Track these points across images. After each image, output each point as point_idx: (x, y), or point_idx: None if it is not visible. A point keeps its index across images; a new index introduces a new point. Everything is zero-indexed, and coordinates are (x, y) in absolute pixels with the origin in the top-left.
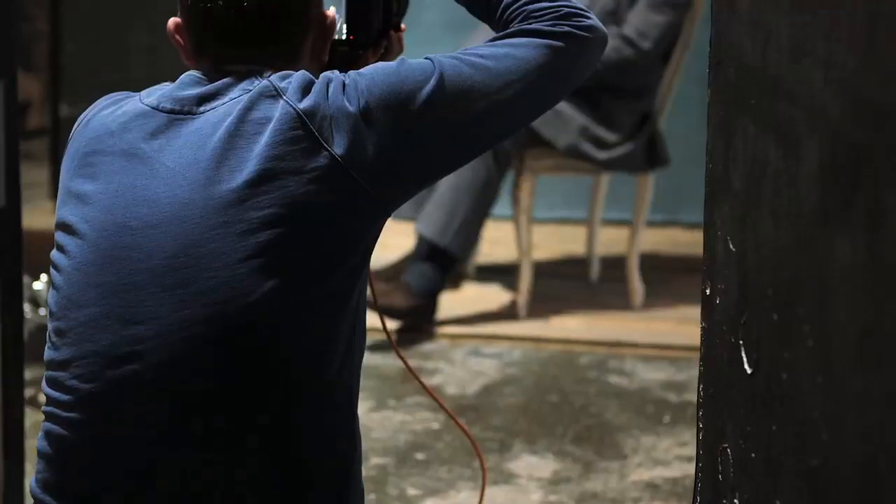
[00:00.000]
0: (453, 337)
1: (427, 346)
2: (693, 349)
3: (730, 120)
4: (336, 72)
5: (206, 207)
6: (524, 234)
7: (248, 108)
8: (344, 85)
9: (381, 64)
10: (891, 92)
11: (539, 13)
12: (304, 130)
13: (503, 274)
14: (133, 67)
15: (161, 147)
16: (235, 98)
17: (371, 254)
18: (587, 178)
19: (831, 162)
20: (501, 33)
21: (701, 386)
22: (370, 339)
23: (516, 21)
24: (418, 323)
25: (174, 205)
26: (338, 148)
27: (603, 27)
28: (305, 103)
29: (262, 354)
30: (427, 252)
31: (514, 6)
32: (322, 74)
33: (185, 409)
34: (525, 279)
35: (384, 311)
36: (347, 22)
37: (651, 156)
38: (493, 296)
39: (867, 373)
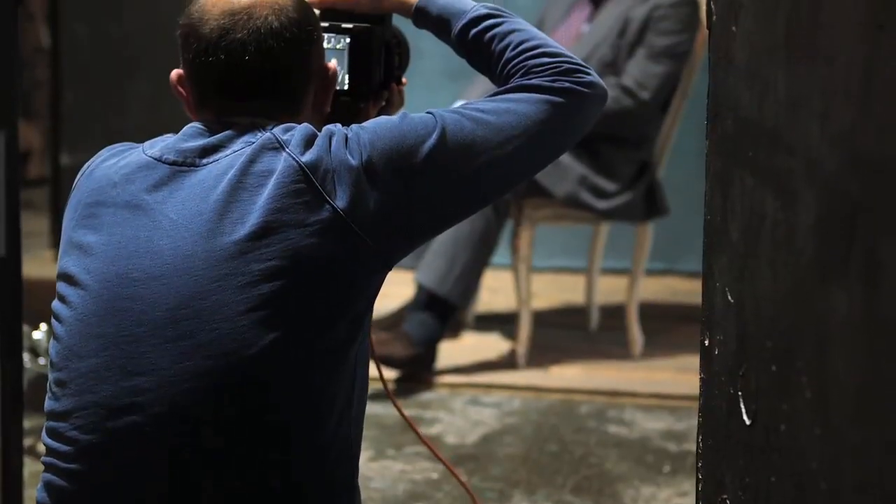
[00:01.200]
0: (452, 386)
1: (426, 396)
2: (692, 398)
3: (727, 171)
4: (338, 125)
5: (208, 259)
6: (523, 283)
7: (251, 160)
8: (346, 138)
9: (383, 118)
10: (887, 145)
11: (540, 68)
12: (307, 184)
13: (502, 323)
14: (133, 116)
15: (164, 199)
16: (238, 150)
17: (373, 306)
18: (586, 228)
19: (828, 214)
20: (502, 88)
21: (700, 437)
22: (370, 388)
23: (517, 76)
24: (418, 372)
25: (177, 257)
26: (340, 201)
27: (603, 83)
28: (308, 157)
29: (262, 406)
30: (426, 301)
31: (515, 61)
32: (325, 128)
33: (185, 461)
34: (524, 328)
35: (383, 361)
36: (349, 73)
37: (650, 205)
38: (492, 345)
39: (865, 424)
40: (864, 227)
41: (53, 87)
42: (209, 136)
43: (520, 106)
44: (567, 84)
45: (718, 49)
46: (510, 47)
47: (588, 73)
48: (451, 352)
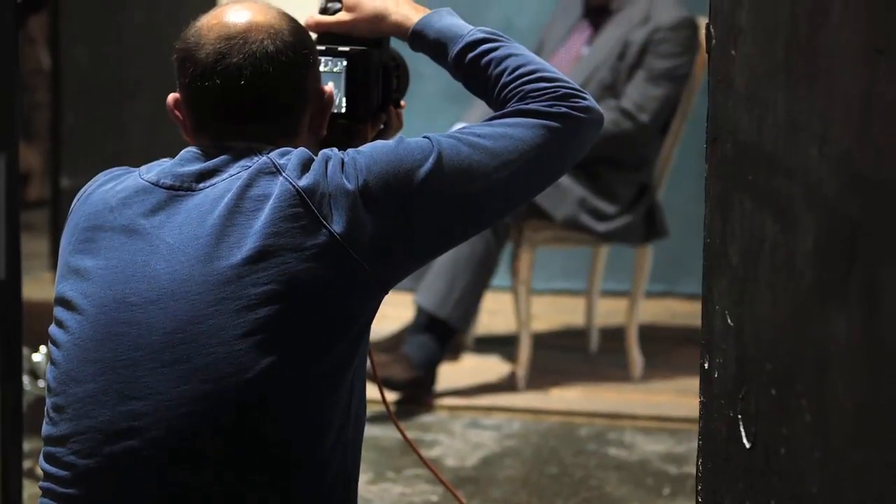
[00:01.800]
0: (452, 408)
1: (426, 418)
2: (692, 421)
3: (727, 194)
4: (335, 149)
5: (205, 283)
6: (523, 306)
7: (248, 184)
8: (343, 163)
9: (379, 142)
10: (886, 168)
11: (537, 93)
12: (304, 208)
13: (502, 345)
14: (133, 139)
15: (161, 223)
16: (234, 175)
17: (369, 329)
18: (586, 250)
19: (828, 237)
20: (499, 113)
21: (700, 460)
22: (369, 410)
23: (514, 100)
24: (417, 394)
25: (173, 281)
26: (337, 226)
27: (599, 108)
28: (305, 181)
29: (258, 430)
30: (426, 323)
31: (512, 85)
32: (321, 152)
33: (182, 485)
34: (524, 350)
35: (383, 383)
36: (346, 96)
37: (650, 227)
38: (492, 367)
39: (864, 447)
40: (863, 251)
41: (53, 109)
42: (205, 161)
43: (517, 131)
44: (564, 109)
45: (718, 72)
46: (507, 72)
47: (584, 98)
48: (451, 374)
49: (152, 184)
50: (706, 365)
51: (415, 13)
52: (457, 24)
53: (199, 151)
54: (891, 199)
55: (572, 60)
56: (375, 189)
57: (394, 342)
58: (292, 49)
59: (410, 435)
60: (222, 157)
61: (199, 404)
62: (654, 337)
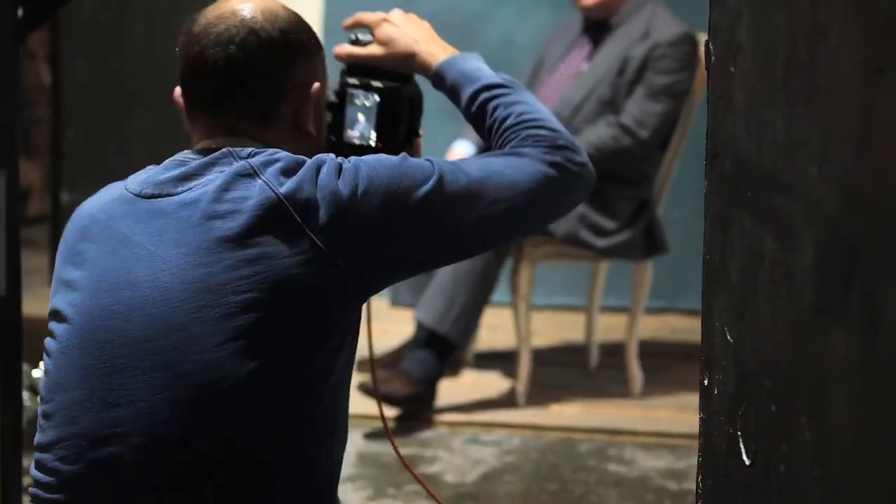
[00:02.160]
0: (452, 424)
1: (426, 434)
2: (692, 437)
3: (727, 211)
4: (331, 155)
5: (185, 291)
6: (523, 321)
7: (224, 188)
8: (340, 168)
9: (383, 156)
10: (884, 186)
11: (536, 139)
12: (284, 214)
13: (502, 361)
14: (134, 154)
15: (142, 231)
16: (211, 178)
17: (354, 337)
18: (585, 265)
19: (827, 255)
20: (499, 151)
21: (700, 476)
22: (368, 426)
23: (513, 142)
24: (417, 410)
25: (155, 289)
26: (320, 233)
27: (592, 167)
28: (287, 186)
29: (240, 436)
30: (426, 339)
31: (515, 128)
32: (315, 157)
33: (164, 491)
34: (524, 366)
35: (383, 398)
36: (377, 129)
37: (650, 243)
38: (492, 383)
39: (865, 465)
40: (862, 268)
41: (54, 124)
42: (186, 167)
43: (514, 171)
44: (559, 159)
45: (717, 90)
46: (512, 115)
47: (580, 154)
48: (451, 390)
49: (135, 195)
50: (706, 381)
51: (442, 53)
52: (479, 69)
53: (181, 158)
54: (890, 217)
55: (572, 76)
56: (372, 199)
57: (394, 358)
58: (273, 43)
59: (410, 451)
60: (203, 160)
61: (180, 409)
62: (654, 353)
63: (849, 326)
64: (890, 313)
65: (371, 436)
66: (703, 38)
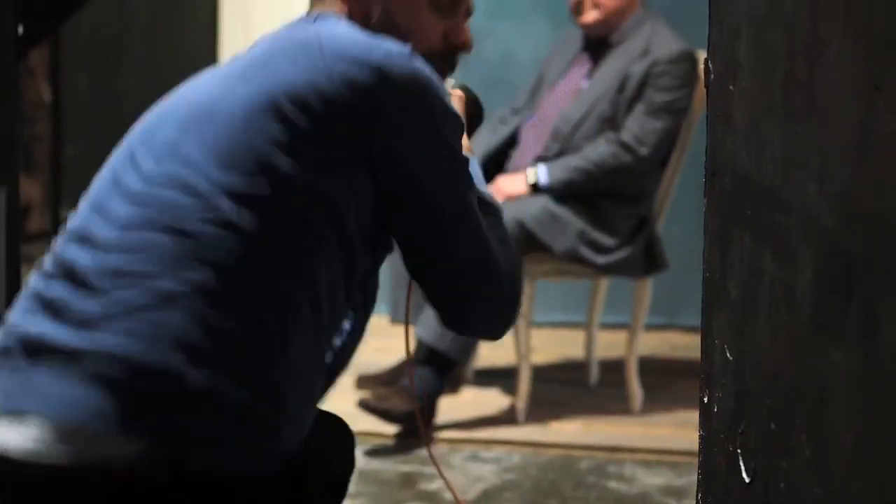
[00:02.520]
0: (452, 441)
1: (426, 451)
2: (692, 454)
3: (726, 229)
4: (404, 49)
5: (233, 101)
6: (523, 338)
7: (282, 41)
8: (407, 60)
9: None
10: (883, 203)
11: (498, 286)
12: (325, 77)
13: (502, 378)
14: None
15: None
16: (284, 34)
17: (371, 240)
18: (585, 282)
19: (826, 272)
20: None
21: (699, 494)
22: (369, 444)
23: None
24: (417, 427)
25: (208, 97)
26: (344, 105)
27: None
28: (337, 55)
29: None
30: (426, 356)
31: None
32: (386, 42)
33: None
34: (524, 383)
35: (382, 416)
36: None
37: (649, 260)
38: (491, 400)
39: (864, 482)
40: (861, 285)
41: (54, 141)
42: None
43: (485, 244)
44: (499, 311)
45: (716, 108)
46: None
47: (515, 312)
48: (451, 407)
49: None
50: (706, 399)
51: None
52: (476, 177)
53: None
54: (889, 234)
55: (572, 93)
56: (400, 103)
57: (393, 375)
58: None
59: (410, 468)
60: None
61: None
62: (653, 370)
63: (848, 343)
64: (889, 330)
65: (371, 453)
66: (702, 55)
